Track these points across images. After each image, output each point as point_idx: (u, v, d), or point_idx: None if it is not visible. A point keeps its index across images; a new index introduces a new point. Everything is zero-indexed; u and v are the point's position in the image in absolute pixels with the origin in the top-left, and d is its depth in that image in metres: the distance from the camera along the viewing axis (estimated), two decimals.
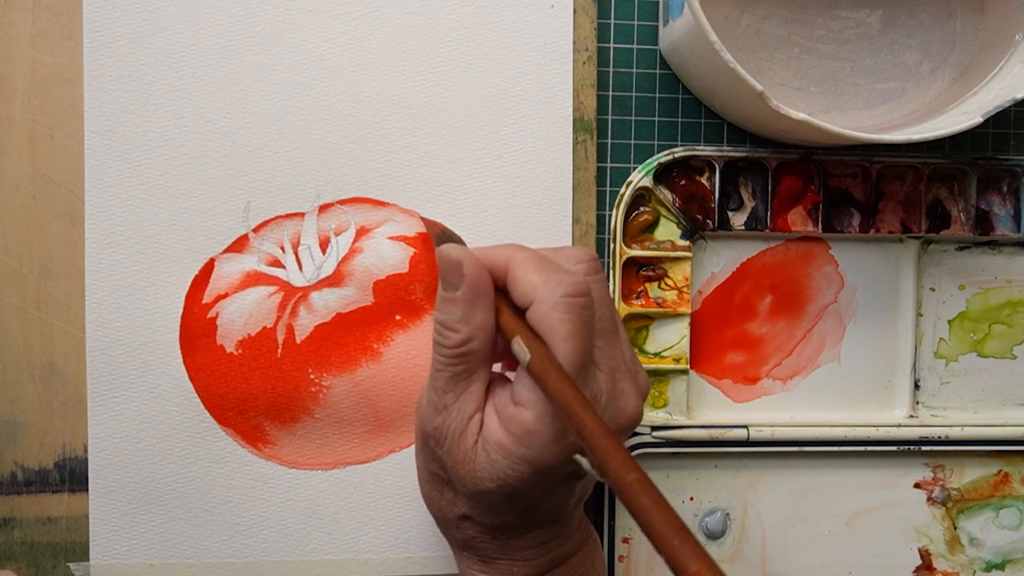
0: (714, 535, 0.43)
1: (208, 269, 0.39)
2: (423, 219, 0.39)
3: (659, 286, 0.42)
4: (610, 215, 0.41)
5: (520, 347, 0.29)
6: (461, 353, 0.31)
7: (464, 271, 0.31)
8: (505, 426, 0.30)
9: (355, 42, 0.39)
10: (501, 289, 0.32)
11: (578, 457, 0.27)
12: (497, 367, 0.34)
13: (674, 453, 0.42)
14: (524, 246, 0.32)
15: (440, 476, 0.33)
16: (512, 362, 0.33)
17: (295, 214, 0.39)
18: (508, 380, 0.32)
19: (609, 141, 0.42)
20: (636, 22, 0.42)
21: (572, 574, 0.34)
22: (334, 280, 0.39)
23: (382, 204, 0.40)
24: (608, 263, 0.41)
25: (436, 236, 0.37)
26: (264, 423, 0.39)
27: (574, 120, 0.40)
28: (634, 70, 0.42)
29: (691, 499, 0.43)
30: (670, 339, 0.42)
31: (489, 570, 0.33)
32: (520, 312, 0.31)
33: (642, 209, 0.42)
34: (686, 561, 0.22)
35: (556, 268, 0.30)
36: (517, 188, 0.40)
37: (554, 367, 0.28)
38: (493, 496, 0.31)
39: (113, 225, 0.38)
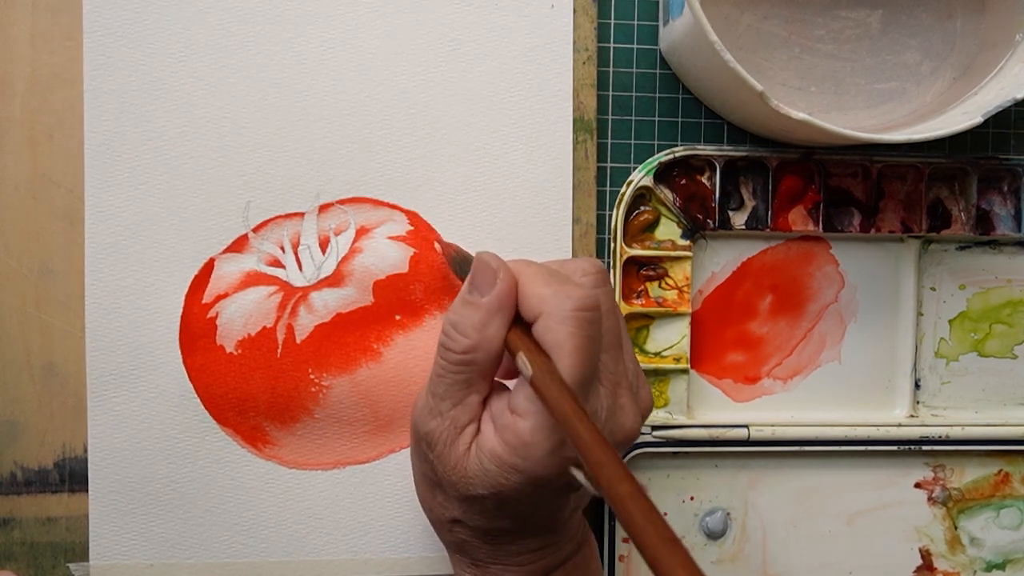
0: (714, 535, 0.43)
1: (208, 269, 0.39)
2: (440, 241, 0.39)
3: (659, 285, 0.42)
4: (610, 215, 0.41)
5: (523, 361, 0.29)
6: (465, 361, 0.30)
7: (498, 279, 0.30)
8: (500, 435, 0.30)
9: (355, 42, 0.39)
10: None
11: (573, 469, 0.27)
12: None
13: (674, 453, 0.42)
14: (532, 260, 0.32)
15: (432, 478, 0.33)
16: (511, 372, 0.33)
17: (295, 214, 0.39)
18: (507, 388, 0.32)
19: (609, 141, 0.42)
20: (636, 22, 0.42)
21: None
22: (334, 280, 0.39)
23: (382, 204, 0.40)
24: (608, 263, 0.41)
25: (451, 258, 0.37)
26: (264, 423, 0.39)
27: (574, 120, 0.40)
28: (634, 70, 0.42)
29: (691, 499, 0.43)
30: (670, 338, 0.42)
31: (481, 574, 0.33)
32: (526, 326, 0.30)
33: (642, 208, 0.42)
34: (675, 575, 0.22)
35: (565, 281, 0.30)
36: (517, 188, 0.40)
37: (555, 381, 0.28)
38: (485, 503, 0.31)
39: (113, 225, 0.38)
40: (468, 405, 0.31)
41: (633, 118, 0.42)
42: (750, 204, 0.42)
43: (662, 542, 0.23)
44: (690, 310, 0.42)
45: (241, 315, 0.39)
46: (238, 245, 0.39)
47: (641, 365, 0.41)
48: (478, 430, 0.31)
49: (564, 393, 0.27)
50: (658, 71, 0.42)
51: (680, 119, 0.42)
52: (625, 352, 0.32)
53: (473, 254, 0.37)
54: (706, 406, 0.43)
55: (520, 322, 0.31)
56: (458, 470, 0.31)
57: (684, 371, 0.42)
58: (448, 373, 0.31)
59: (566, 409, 0.27)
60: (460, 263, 0.37)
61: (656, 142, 0.42)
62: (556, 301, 0.29)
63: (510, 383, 0.32)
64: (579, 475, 0.27)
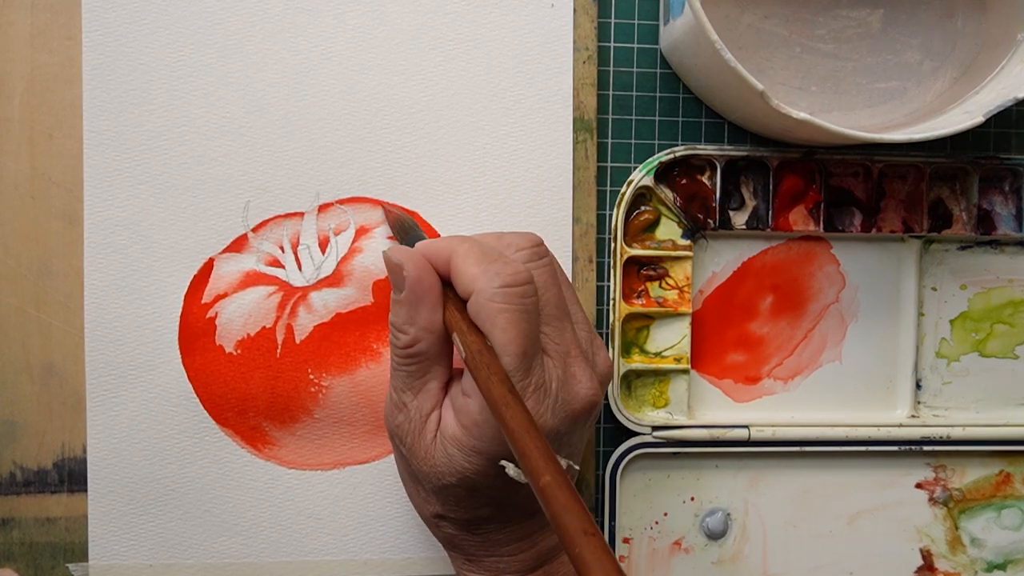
0: (715, 535, 0.43)
1: (207, 269, 0.39)
2: (384, 207, 0.39)
3: (660, 285, 0.42)
4: (611, 214, 0.41)
5: (458, 343, 0.29)
6: (410, 354, 0.31)
7: (405, 273, 0.31)
8: (457, 418, 0.30)
9: (355, 42, 0.39)
10: (448, 283, 0.31)
11: (504, 462, 0.27)
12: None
13: (675, 453, 0.42)
14: (468, 237, 0.32)
15: (411, 473, 0.33)
16: None
17: (294, 214, 0.39)
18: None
19: (609, 140, 0.42)
20: (636, 21, 0.41)
21: (564, 572, 0.34)
22: (333, 280, 0.39)
23: (382, 204, 0.39)
24: (609, 262, 0.41)
25: (393, 224, 0.38)
26: (264, 423, 0.39)
27: (574, 120, 0.40)
28: (634, 69, 0.42)
29: (692, 499, 0.43)
30: (671, 339, 0.42)
31: (478, 569, 0.34)
32: (464, 304, 0.31)
33: (643, 208, 0.42)
34: (588, 570, 0.22)
35: (496, 258, 0.30)
36: (517, 188, 0.40)
37: (485, 362, 0.28)
38: (457, 491, 0.31)
39: (112, 225, 0.38)
40: (428, 392, 0.31)
41: (633, 118, 0.42)
42: (751, 204, 0.42)
43: (581, 536, 0.23)
44: (690, 310, 0.42)
45: (240, 315, 0.39)
46: (237, 245, 0.39)
47: (642, 366, 0.41)
48: (440, 418, 0.31)
49: (494, 375, 0.27)
50: (658, 70, 0.42)
51: (680, 119, 0.42)
52: (575, 322, 0.32)
53: (413, 221, 0.38)
54: (707, 406, 0.43)
55: (459, 301, 0.31)
56: (427, 460, 0.31)
57: (685, 371, 0.42)
58: (401, 367, 0.32)
59: (493, 393, 0.27)
60: (400, 229, 0.37)
61: (656, 142, 0.42)
62: (485, 279, 0.29)
63: None
64: (510, 467, 0.27)
